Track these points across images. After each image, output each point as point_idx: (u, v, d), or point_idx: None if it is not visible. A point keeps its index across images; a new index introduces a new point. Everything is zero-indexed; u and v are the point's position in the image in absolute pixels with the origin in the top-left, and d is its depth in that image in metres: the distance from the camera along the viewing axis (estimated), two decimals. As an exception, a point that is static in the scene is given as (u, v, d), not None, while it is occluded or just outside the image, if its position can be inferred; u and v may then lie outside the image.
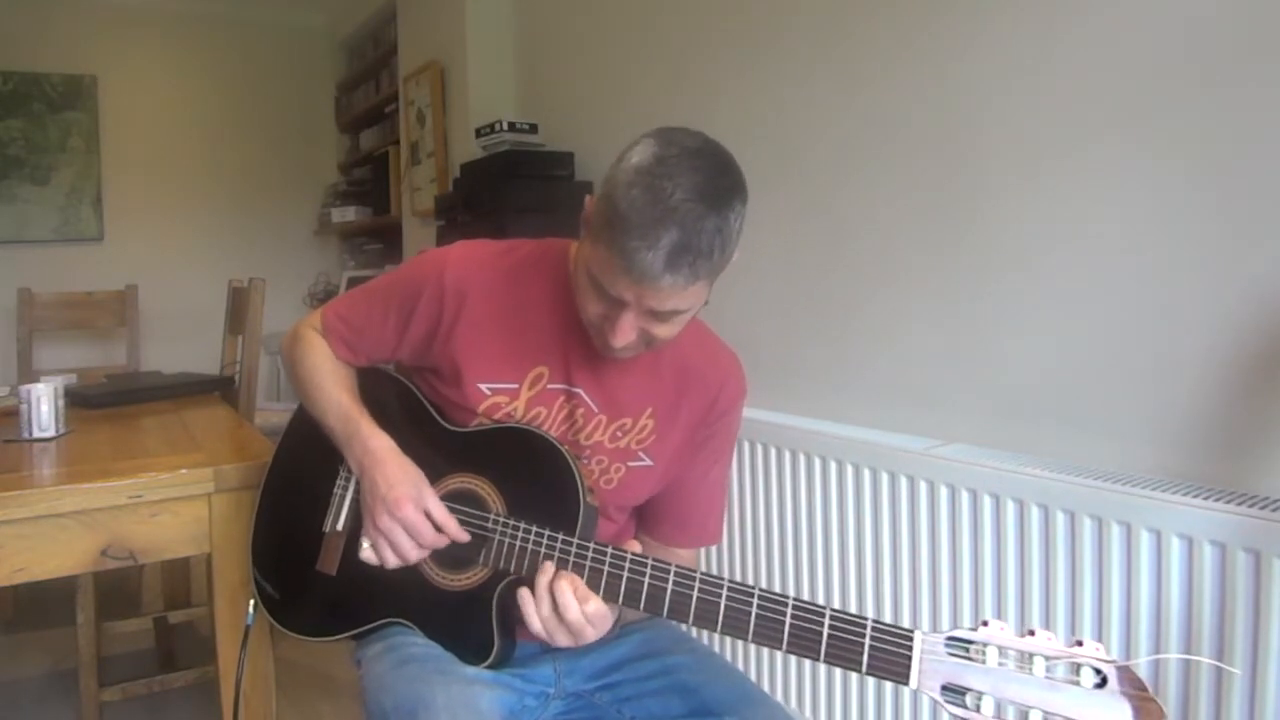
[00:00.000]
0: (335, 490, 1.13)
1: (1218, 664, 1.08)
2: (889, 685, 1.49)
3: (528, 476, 1.03)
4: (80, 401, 1.95)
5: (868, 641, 0.80)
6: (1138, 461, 1.25)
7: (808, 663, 1.66)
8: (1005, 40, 1.41)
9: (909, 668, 0.78)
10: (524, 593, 0.96)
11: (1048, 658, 0.74)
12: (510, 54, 3.02)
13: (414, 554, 1.01)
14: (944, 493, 1.39)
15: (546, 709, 1.08)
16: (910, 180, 1.58)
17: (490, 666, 1.01)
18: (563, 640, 0.95)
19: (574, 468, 1.00)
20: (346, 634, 1.10)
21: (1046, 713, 0.73)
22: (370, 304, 1.15)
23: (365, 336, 1.15)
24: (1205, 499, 1.09)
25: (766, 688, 1.75)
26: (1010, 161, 1.41)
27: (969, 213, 1.48)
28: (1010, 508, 1.29)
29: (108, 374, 2.77)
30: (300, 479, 1.19)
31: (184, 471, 1.33)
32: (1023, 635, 0.76)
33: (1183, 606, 1.11)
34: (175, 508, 1.33)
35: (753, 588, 0.87)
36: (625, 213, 0.87)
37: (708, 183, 0.88)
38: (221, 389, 2.31)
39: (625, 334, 0.94)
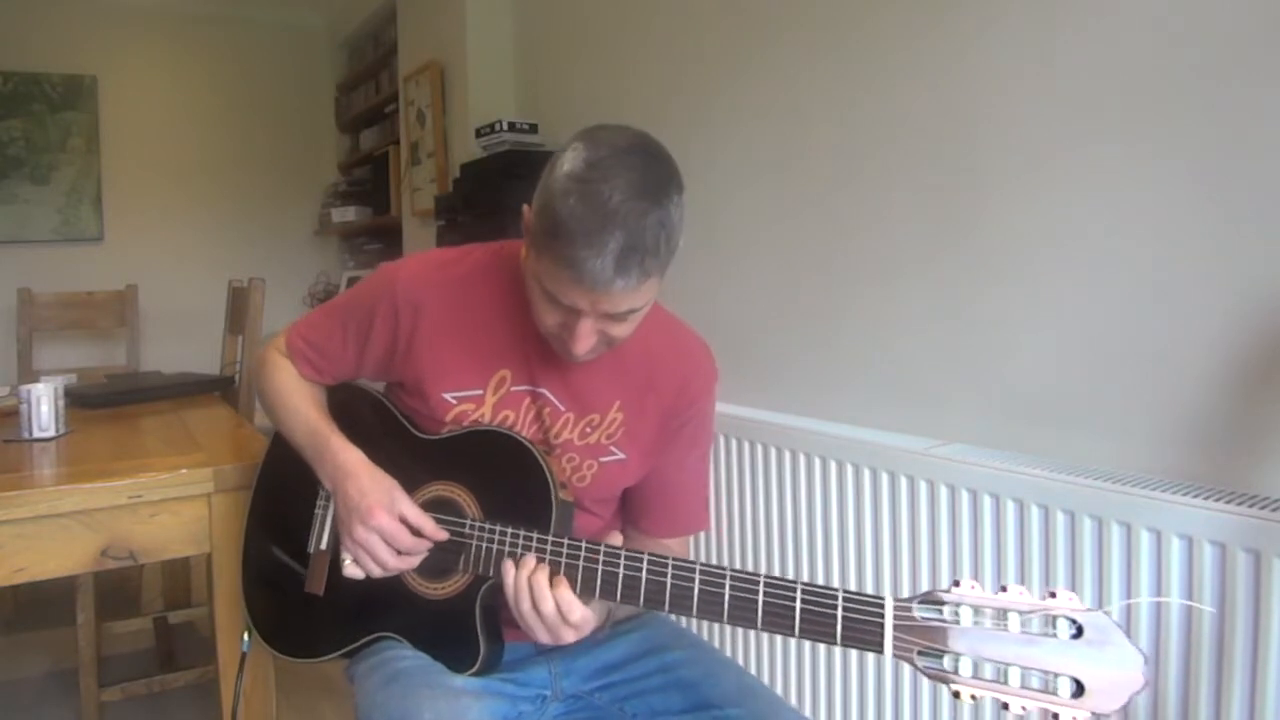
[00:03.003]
0: (316, 510, 1.14)
1: (1191, 604, 1.08)
2: (888, 678, 1.49)
3: (500, 478, 1.03)
4: (80, 401, 1.95)
5: (840, 613, 0.80)
6: (1138, 461, 1.25)
7: (807, 657, 1.66)
8: (1005, 39, 1.41)
9: (882, 636, 0.78)
10: (508, 564, 0.96)
11: (1022, 612, 0.73)
12: (510, 54, 3.02)
13: (394, 561, 1.01)
14: (944, 493, 1.39)
15: (544, 712, 1.07)
16: (910, 180, 1.58)
17: (478, 672, 1.01)
18: (543, 637, 0.95)
19: (543, 464, 1.00)
20: (338, 653, 1.11)
21: (1025, 668, 0.73)
22: (330, 324, 1.16)
23: (327, 356, 1.16)
24: (1205, 499, 1.09)
25: (766, 681, 1.74)
26: (1010, 161, 1.41)
27: (970, 212, 1.48)
28: (1010, 508, 1.29)
29: (108, 374, 2.77)
30: (283, 502, 1.20)
31: (184, 471, 1.33)
32: (996, 592, 0.75)
33: (1183, 606, 1.11)
34: (175, 508, 1.33)
35: (725, 569, 0.87)
36: (566, 222, 0.86)
37: (643, 179, 0.87)
38: (221, 389, 2.31)
39: (585, 341, 0.94)
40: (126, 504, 1.29)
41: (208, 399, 2.14)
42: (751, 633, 1.80)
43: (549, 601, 0.93)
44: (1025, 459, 1.33)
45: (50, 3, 4.05)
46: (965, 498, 1.35)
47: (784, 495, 1.69)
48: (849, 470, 1.55)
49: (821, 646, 1.63)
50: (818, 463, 1.61)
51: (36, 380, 1.82)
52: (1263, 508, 1.04)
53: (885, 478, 1.48)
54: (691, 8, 2.10)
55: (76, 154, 4.12)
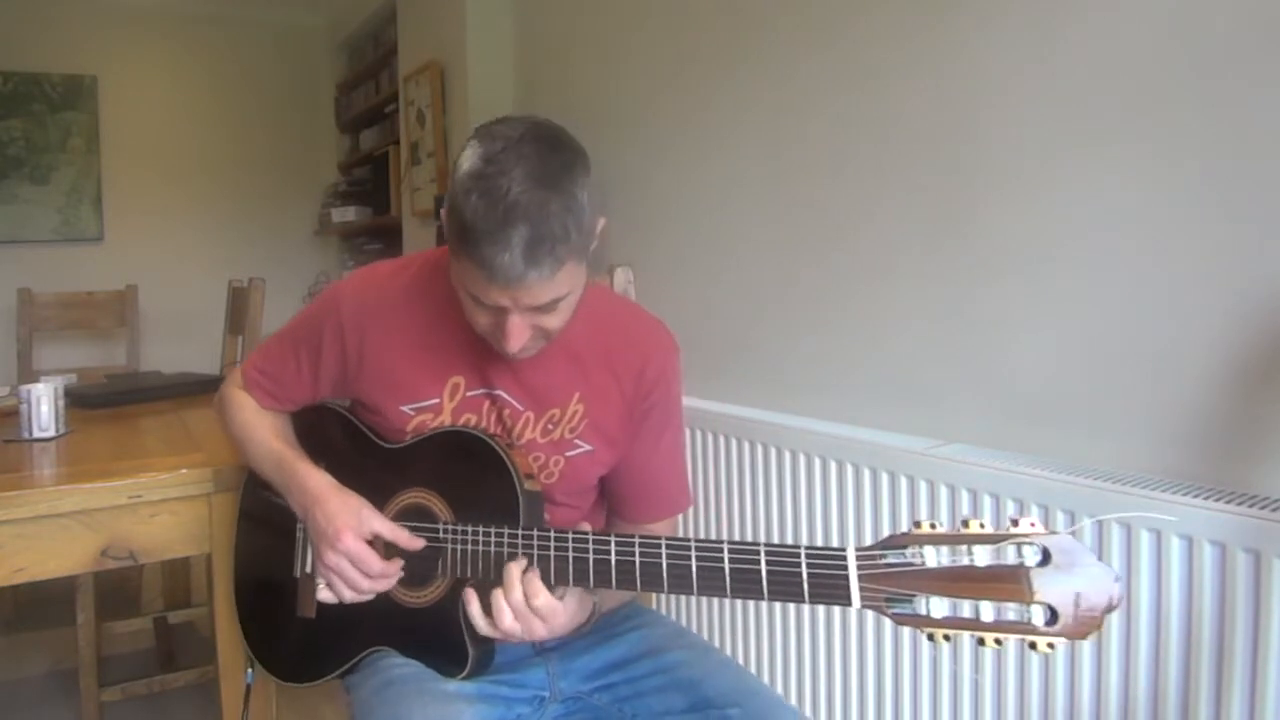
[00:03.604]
0: (298, 534, 1.14)
1: (1153, 515, 1.07)
2: (888, 676, 1.49)
3: (467, 477, 1.02)
4: (80, 401, 1.95)
5: (804, 570, 0.79)
6: (1138, 461, 1.25)
7: (806, 656, 1.66)
8: (1004, 36, 1.41)
9: (849, 587, 0.77)
10: (468, 593, 0.97)
11: (987, 544, 0.72)
12: (510, 54, 3.02)
13: (365, 584, 1.00)
14: (944, 493, 1.38)
15: (543, 713, 1.07)
16: (910, 178, 1.58)
17: (471, 675, 1.01)
18: (515, 629, 0.95)
19: (504, 456, 1.00)
20: (335, 673, 1.11)
21: (996, 601, 0.72)
22: (281, 351, 1.16)
23: (283, 384, 1.16)
24: (1205, 499, 1.09)
25: (765, 680, 1.74)
26: (1010, 160, 1.41)
27: (969, 211, 1.48)
28: (1010, 508, 1.29)
29: (108, 374, 2.77)
30: (266, 531, 1.20)
31: (184, 471, 1.33)
32: (956, 530, 0.74)
33: (1183, 606, 1.11)
34: (175, 508, 1.33)
35: (689, 540, 0.87)
36: (471, 222, 0.85)
37: (540, 166, 0.86)
38: (221, 389, 2.31)
39: (518, 337, 0.92)
40: (126, 504, 1.29)
41: (208, 399, 2.12)
42: (750, 630, 1.80)
43: (517, 590, 0.93)
44: (1025, 459, 1.33)
45: (50, 3, 4.05)
46: (965, 498, 1.35)
47: (784, 495, 1.69)
48: (849, 470, 1.55)
49: (820, 640, 1.63)
50: (818, 463, 1.61)
51: (36, 380, 1.81)
52: (1263, 508, 1.04)
53: (885, 478, 1.48)
54: (690, 7, 2.10)
55: (76, 154, 4.12)
